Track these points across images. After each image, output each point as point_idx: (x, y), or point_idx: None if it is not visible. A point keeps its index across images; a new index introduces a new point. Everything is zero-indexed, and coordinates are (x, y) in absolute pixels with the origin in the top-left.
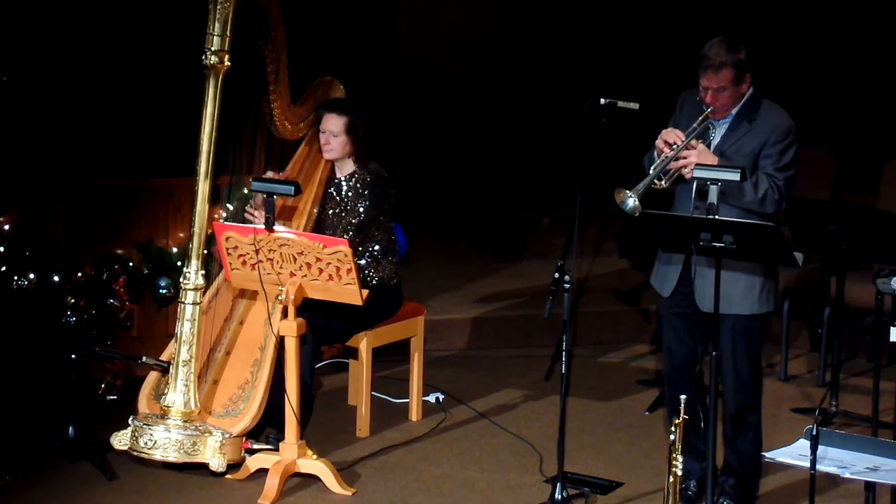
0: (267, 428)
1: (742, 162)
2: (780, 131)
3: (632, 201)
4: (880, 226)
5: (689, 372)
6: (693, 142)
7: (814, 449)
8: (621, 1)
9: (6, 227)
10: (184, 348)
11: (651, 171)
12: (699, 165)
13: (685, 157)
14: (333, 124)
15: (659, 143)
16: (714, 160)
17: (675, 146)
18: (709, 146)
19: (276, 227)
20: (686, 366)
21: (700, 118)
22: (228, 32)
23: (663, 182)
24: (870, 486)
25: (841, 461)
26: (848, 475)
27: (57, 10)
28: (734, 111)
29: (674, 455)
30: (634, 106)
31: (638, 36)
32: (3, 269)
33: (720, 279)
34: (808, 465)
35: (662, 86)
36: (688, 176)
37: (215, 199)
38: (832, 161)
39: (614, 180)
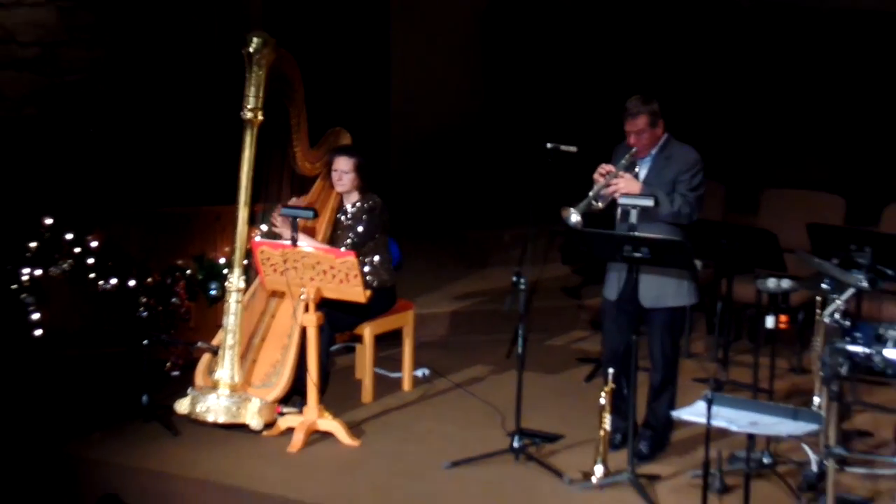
0: (294, 396)
1: (662, 188)
2: (690, 163)
3: (575, 216)
4: (759, 240)
5: (622, 354)
6: (621, 172)
7: (709, 409)
8: (567, 71)
9: (94, 243)
10: (229, 336)
11: (590, 194)
12: (624, 194)
13: (616, 184)
14: (344, 164)
15: (596, 175)
16: (638, 187)
17: (607, 175)
18: (636, 177)
19: (300, 243)
20: (620, 349)
21: (627, 156)
22: (261, 94)
23: (599, 204)
24: (751, 436)
25: (729, 418)
26: (734, 428)
27: (137, 77)
28: (654, 151)
29: (603, 415)
30: (573, 149)
31: (580, 95)
32: (93, 275)
33: (654, 278)
34: (704, 420)
35: (597, 135)
36: (618, 198)
37: (252, 222)
38: (722, 190)
39: (558, 205)
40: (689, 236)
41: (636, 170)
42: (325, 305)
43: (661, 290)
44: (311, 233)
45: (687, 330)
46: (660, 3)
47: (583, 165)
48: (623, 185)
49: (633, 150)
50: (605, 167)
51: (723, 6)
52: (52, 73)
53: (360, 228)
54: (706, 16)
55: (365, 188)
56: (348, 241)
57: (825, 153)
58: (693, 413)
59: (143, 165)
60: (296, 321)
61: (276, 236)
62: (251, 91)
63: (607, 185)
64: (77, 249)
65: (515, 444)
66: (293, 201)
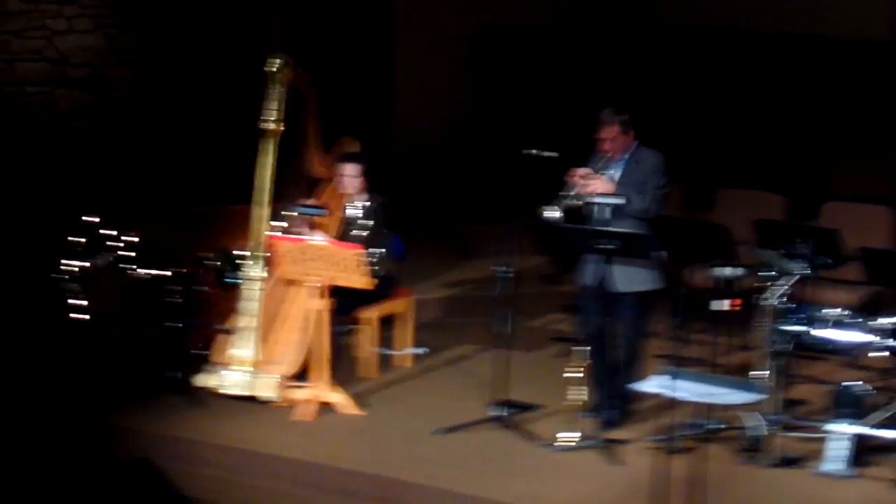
0: (306, 372)
1: (633, 188)
2: (657, 165)
3: (554, 213)
4: (714, 234)
5: (597, 334)
6: (597, 175)
7: (670, 381)
8: (546, 86)
9: (136, 238)
10: (251, 319)
11: (570, 193)
12: (598, 194)
13: (593, 185)
14: (353, 170)
15: (569, 177)
16: (612, 187)
17: (585, 177)
18: (611, 178)
19: (313, 238)
20: (595, 330)
21: (602, 160)
22: (281, 108)
23: (578, 201)
24: (705, 405)
25: (687, 389)
26: (691, 398)
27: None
28: (626, 156)
29: (576, 387)
30: (554, 155)
31: (559, 106)
32: (134, 266)
33: (625, 267)
34: (666, 392)
35: (573, 142)
36: (594, 196)
37: (272, 219)
38: (681, 190)
39: (540, 203)
40: (654, 230)
41: (610, 172)
42: (335, 292)
43: (632, 277)
44: (323, 229)
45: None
46: (627, 31)
47: (562, 169)
48: (599, 186)
49: (608, 154)
50: (581, 170)
51: (684, 32)
52: (100, 90)
53: (367, 225)
54: (670, 39)
55: (370, 189)
56: (357, 236)
57: (772, 158)
58: (655, 385)
59: (176, 170)
60: (308, 306)
61: (293, 232)
62: (272, 105)
63: (585, 186)
64: (118, 244)
65: (500, 413)
66: (309, 202)
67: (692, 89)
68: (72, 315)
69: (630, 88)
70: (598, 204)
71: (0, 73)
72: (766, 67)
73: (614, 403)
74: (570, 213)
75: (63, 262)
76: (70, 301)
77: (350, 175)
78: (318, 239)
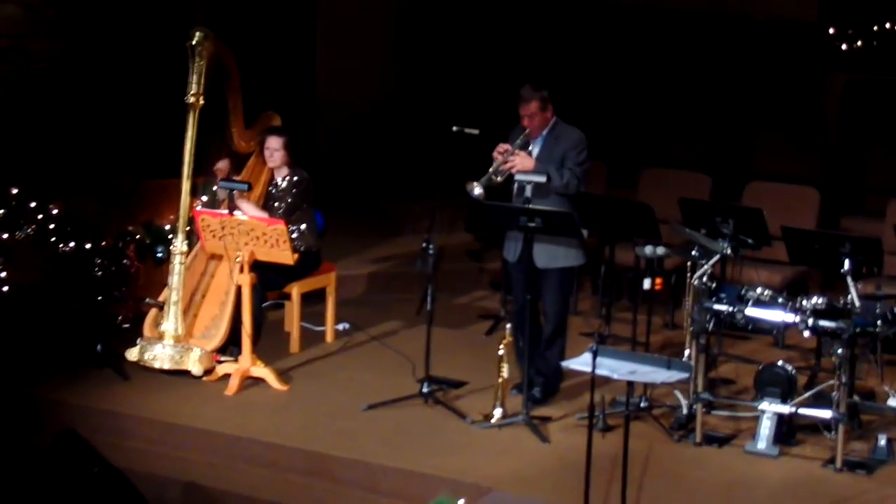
0: (230, 346)
1: (553, 163)
2: (575, 141)
3: (478, 189)
4: (637, 212)
5: (520, 311)
6: (517, 150)
7: (594, 359)
8: (470, 62)
9: (55, 210)
10: (174, 293)
11: (490, 170)
12: (520, 171)
13: (512, 161)
14: (274, 143)
15: (494, 153)
16: (532, 163)
17: (505, 154)
18: (530, 154)
19: (236, 213)
20: (518, 307)
21: (522, 136)
22: (202, 81)
23: (499, 178)
24: (630, 383)
25: (611, 367)
26: (616, 376)
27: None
28: (545, 133)
29: (501, 364)
30: (476, 132)
31: (482, 82)
32: (53, 239)
33: (547, 244)
34: (590, 369)
35: (496, 119)
36: (514, 173)
37: (194, 193)
38: (605, 169)
39: (463, 181)
40: (577, 208)
41: (530, 148)
42: (258, 267)
43: (554, 253)
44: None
45: (575, 290)
46: (551, 5)
47: (484, 145)
48: (519, 162)
49: (527, 130)
50: (502, 146)
51: (608, 7)
52: (19, 61)
53: (289, 199)
54: (592, 17)
55: (293, 164)
56: (279, 210)
57: (695, 137)
58: (580, 363)
59: (99, 143)
60: (232, 280)
61: (216, 206)
62: (193, 78)
63: (505, 162)
64: (40, 216)
65: (425, 390)
66: (222, 163)
67: (616, 66)
68: (1, 287)
69: (554, 65)
70: (520, 182)
71: None
72: (691, 46)
73: (540, 381)
74: (491, 190)
75: None
76: None
77: (272, 148)
78: (239, 213)
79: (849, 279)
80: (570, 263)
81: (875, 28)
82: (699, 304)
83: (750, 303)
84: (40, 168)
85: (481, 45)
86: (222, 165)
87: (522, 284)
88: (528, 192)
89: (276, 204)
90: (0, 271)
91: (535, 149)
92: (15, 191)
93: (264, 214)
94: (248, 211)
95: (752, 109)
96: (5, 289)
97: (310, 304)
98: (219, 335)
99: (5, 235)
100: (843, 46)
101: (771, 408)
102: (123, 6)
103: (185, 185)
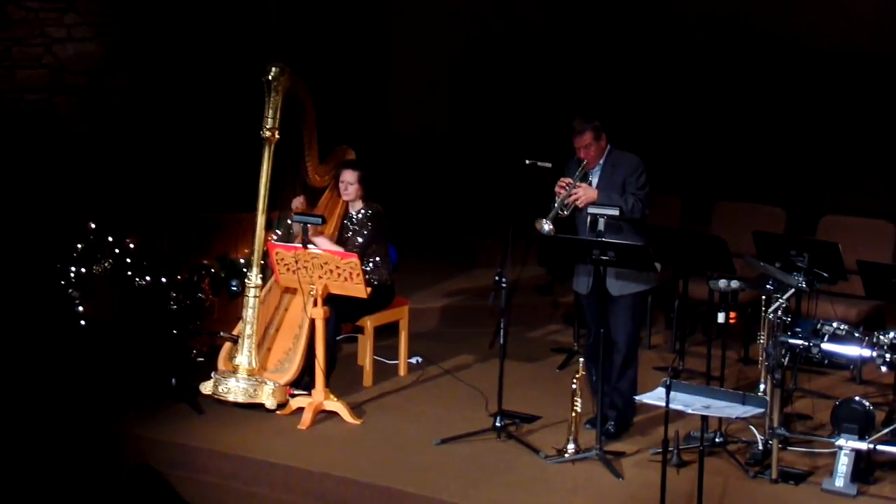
0: (303, 380)
1: (614, 191)
2: (634, 166)
3: (547, 226)
4: (711, 246)
5: (593, 344)
6: (579, 183)
7: (668, 394)
8: (546, 97)
9: (131, 245)
10: (248, 326)
11: (555, 205)
12: (592, 205)
13: (576, 194)
14: (350, 176)
15: (557, 187)
16: (595, 193)
17: (567, 187)
18: (590, 185)
19: (309, 246)
20: (591, 340)
21: (580, 168)
22: (278, 116)
23: (565, 212)
24: (704, 418)
25: (685, 402)
26: (690, 411)
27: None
28: (601, 161)
29: (575, 398)
30: (548, 165)
31: (557, 117)
32: (129, 273)
33: (617, 272)
34: (664, 404)
35: (569, 153)
36: (580, 206)
37: (269, 227)
38: (679, 203)
39: (535, 214)
40: (651, 241)
41: (589, 179)
42: (332, 300)
43: (626, 280)
44: (320, 236)
45: (648, 323)
46: (624, 39)
47: (556, 178)
48: (582, 194)
49: (584, 162)
50: (564, 180)
51: (682, 42)
52: (98, 97)
53: (363, 233)
54: (666, 51)
55: (367, 197)
56: (353, 243)
57: (770, 171)
58: (654, 397)
59: (174, 177)
60: (306, 314)
61: (291, 240)
62: (269, 113)
63: (569, 195)
64: (117, 250)
65: (497, 424)
66: (296, 201)
67: (691, 100)
68: (78, 321)
69: (628, 99)
70: (592, 214)
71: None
72: (767, 79)
73: (613, 415)
74: (560, 221)
75: (65, 267)
76: (76, 307)
77: (347, 181)
78: (314, 247)
79: None
80: (642, 287)
81: None
82: (774, 339)
83: (826, 337)
84: (117, 202)
85: (553, 77)
86: (298, 203)
87: (595, 317)
88: (601, 225)
89: (350, 237)
90: (77, 305)
91: (594, 179)
92: (93, 225)
93: (338, 248)
94: (321, 245)
95: (827, 143)
96: (82, 323)
97: (383, 337)
98: (292, 368)
99: (83, 270)
100: None
101: (848, 444)
102: (200, 41)
103: (260, 219)
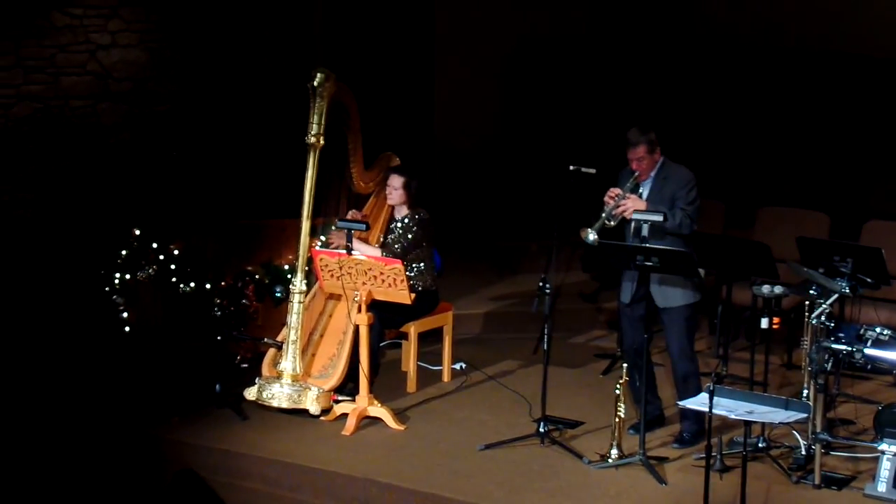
0: (348, 385)
1: (663, 205)
2: (685, 180)
3: (592, 235)
4: (755, 251)
5: (638, 349)
6: (628, 194)
7: (711, 399)
8: (587, 102)
9: (176, 251)
10: (292, 332)
11: (603, 215)
12: (636, 210)
13: (624, 205)
14: (397, 181)
15: (606, 197)
16: (644, 205)
17: (616, 198)
18: (640, 197)
19: (354, 252)
20: (633, 347)
21: (632, 179)
22: (323, 122)
23: (612, 222)
24: (748, 423)
25: (729, 407)
26: (733, 416)
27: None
28: (653, 173)
29: (618, 404)
30: (592, 171)
31: (600, 123)
32: (174, 279)
33: (664, 282)
34: (708, 409)
35: (612, 159)
36: (628, 217)
37: (313, 233)
38: (722, 208)
39: (579, 220)
40: (694, 247)
41: (640, 191)
42: (375, 306)
43: (671, 291)
44: (365, 241)
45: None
46: (668, 45)
47: (600, 184)
48: (631, 205)
49: (636, 174)
50: (613, 191)
51: (726, 47)
52: (143, 104)
53: (409, 237)
54: (710, 55)
55: (413, 203)
56: (397, 249)
57: (813, 176)
58: (697, 402)
59: (219, 183)
60: (350, 320)
61: (335, 246)
62: (314, 119)
63: (617, 206)
64: (161, 256)
65: (541, 430)
66: (351, 214)
67: (734, 105)
68: (123, 327)
69: (671, 104)
70: (636, 220)
71: (45, 86)
72: (809, 85)
73: (686, 424)
74: (605, 230)
75: (109, 274)
76: (120, 313)
77: (393, 186)
78: (358, 253)
79: None
80: (689, 301)
81: None
82: (817, 344)
83: (869, 342)
84: (161, 209)
85: (595, 83)
86: (350, 216)
87: (637, 324)
88: (645, 231)
89: (391, 239)
90: (122, 312)
91: (644, 191)
92: (137, 232)
93: (379, 253)
94: (362, 250)
95: (871, 148)
96: (126, 329)
97: (427, 343)
98: (336, 374)
99: (127, 276)
100: None
101: (891, 449)
102: (244, 47)
103: (305, 226)
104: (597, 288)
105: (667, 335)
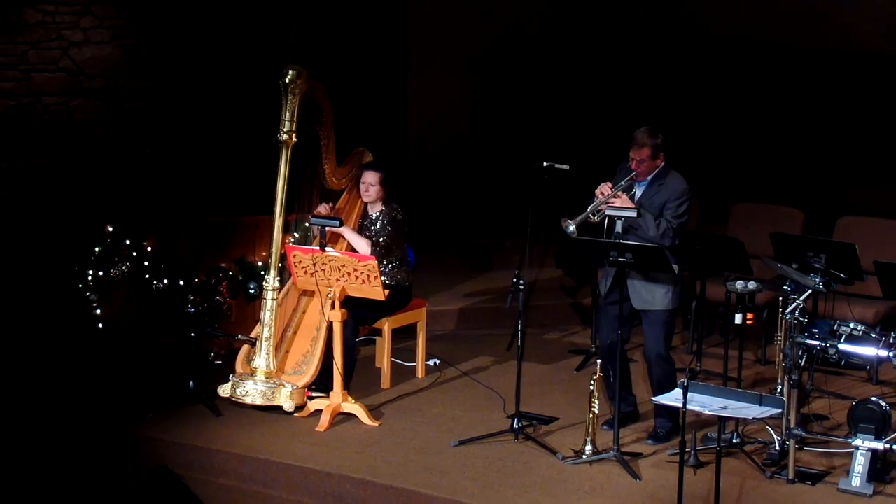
0: (321, 382)
1: (652, 211)
2: (678, 193)
3: (572, 227)
4: (728, 247)
5: (610, 348)
6: (619, 192)
7: (685, 395)
8: (560, 99)
9: (149, 248)
10: (266, 329)
11: (589, 208)
12: (610, 206)
13: (613, 203)
14: (372, 178)
15: (597, 190)
16: (632, 206)
17: (605, 194)
18: (632, 198)
19: (327, 249)
20: (608, 344)
21: (627, 178)
22: (295, 119)
23: (595, 217)
24: (722, 419)
25: (703, 403)
26: (707, 412)
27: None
28: (650, 177)
29: (592, 399)
30: (566, 167)
31: (572, 119)
32: (147, 276)
33: (640, 286)
34: (681, 405)
35: (592, 155)
36: (606, 210)
37: (286, 230)
38: (697, 204)
39: (553, 217)
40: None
41: (633, 192)
42: (349, 303)
43: (650, 295)
44: (338, 239)
45: None
46: (640, 41)
47: (574, 181)
48: (619, 205)
49: (633, 174)
50: (605, 187)
51: (700, 43)
52: (115, 101)
53: (383, 234)
54: (681, 51)
55: (387, 199)
56: (383, 243)
57: (786, 172)
58: (671, 398)
59: (192, 180)
60: (323, 316)
61: (308, 242)
62: (286, 116)
63: (605, 203)
64: (134, 253)
65: (515, 425)
66: (322, 208)
67: (708, 101)
68: (96, 324)
69: (644, 100)
70: (610, 216)
71: (17, 83)
72: (783, 81)
73: (661, 421)
74: (585, 225)
75: (82, 270)
76: (93, 310)
77: (369, 183)
78: (331, 249)
79: None
80: (667, 307)
81: None
82: (791, 340)
83: (843, 338)
84: (134, 206)
85: (568, 80)
86: (322, 210)
87: (614, 323)
88: (619, 226)
89: (374, 232)
90: (95, 308)
91: (637, 192)
92: (110, 228)
93: (364, 241)
94: (354, 242)
95: (845, 144)
96: (100, 326)
97: (401, 339)
98: (310, 371)
99: (100, 273)
100: None
101: (865, 444)
102: (216, 44)
103: (278, 222)
104: (573, 284)
105: (645, 337)
